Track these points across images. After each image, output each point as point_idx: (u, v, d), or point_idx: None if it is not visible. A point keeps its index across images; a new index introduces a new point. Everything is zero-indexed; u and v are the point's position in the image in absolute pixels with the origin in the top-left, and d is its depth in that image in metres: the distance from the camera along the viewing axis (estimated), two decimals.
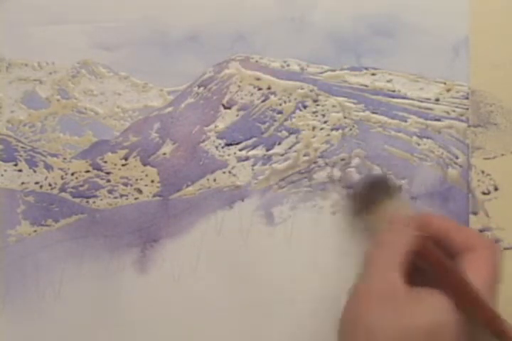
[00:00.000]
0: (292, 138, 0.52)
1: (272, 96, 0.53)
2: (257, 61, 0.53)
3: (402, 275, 0.37)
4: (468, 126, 0.51)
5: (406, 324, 0.34)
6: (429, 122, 0.52)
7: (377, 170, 0.51)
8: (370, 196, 0.46)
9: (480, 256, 0.37)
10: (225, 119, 0.52)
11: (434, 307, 0.35)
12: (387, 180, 0.48)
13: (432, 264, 0.38)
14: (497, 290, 0.37)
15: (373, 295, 0.37)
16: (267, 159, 0.52)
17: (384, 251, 0.38)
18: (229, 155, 0.52)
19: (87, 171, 0.53)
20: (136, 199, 0.52)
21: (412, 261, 0.38)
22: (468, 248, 0.38)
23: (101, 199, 0.52)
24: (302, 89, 0.52)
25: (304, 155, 0.52)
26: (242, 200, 0.52)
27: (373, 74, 0.52)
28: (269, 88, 0.53)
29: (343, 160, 0.52)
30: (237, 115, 0.53)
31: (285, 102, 0.52)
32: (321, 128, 0.52)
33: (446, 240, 0.39)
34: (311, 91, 0.52)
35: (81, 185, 0.53)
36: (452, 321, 0.34)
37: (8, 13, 0.53)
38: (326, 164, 0.52)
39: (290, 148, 0.52)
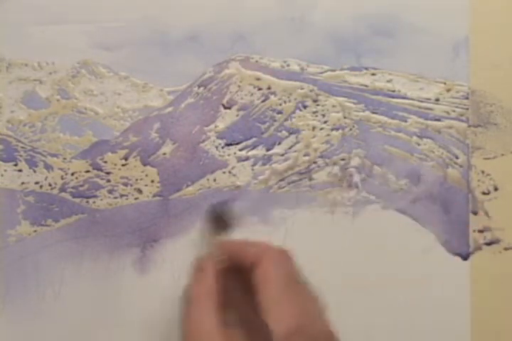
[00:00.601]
0: (292, 138, 0.52)
1: (272, 96, 0.52)
2: (257, 61, 0.53)
3: (218, 310, 0.38)
4: (469, 126, 0.51)
5: None
6: (429, 122, 0.52)
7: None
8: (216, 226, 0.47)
9: (265, 267, 0.38)
10: (225, 119, 0.52)
11: None
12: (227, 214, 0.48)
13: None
14: (298, 291, 0.38)
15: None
16: (267, 159, 0.52)
17: (192, 305, 0.39)
18: (229, 155, 0.52)
19: (87, 171, 0.53)
20: (136, 199, 0.52)
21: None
22: (256, 262, 0.38)
23: (101, 199, 0.52)
24: (302, 89, 0.52)
25: (304, 155, 0.52)
26: (242, 200, 0.52)
27: (373, 74, 0.52)
28: (269, 88, 0.53)
29: (343, 160, 0.52)
30: (237, 115, 0.53)
31: (285, 102, 0.52)
32: (321, 128, 0.52)
33: (241, 262, 0.39)
34: (311, 91, 0.52)
35: (81, 185, 0.53)
36: None
37: (8, 13, 0.53)
38: (326, 164, 0.52)
39: (290, 148, 0.52)
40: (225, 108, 0.53)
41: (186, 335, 0.39)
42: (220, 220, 0.46)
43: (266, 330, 0.35)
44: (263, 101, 0.52)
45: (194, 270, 0.41)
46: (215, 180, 0.52)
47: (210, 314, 0.37)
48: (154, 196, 0.52)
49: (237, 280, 0.39)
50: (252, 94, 0.53)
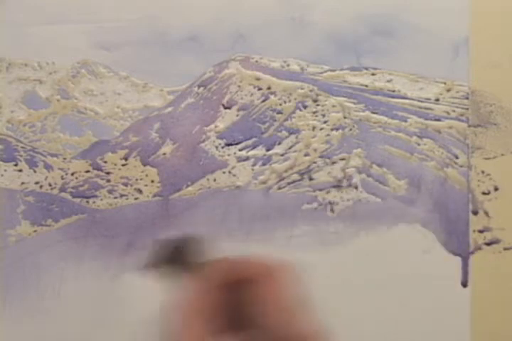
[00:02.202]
0: (292, 138, 0.52)
1: (272, 96, 0.52)
2: (257, 61, 0.53)
3: (207, 333, 0.39)
4: (469, 126, 0.51)
5: None
6: (429, 122, 0.52)
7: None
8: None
9: (262, 285, 0.39)
10: (225, 119, 0.52)
11: None
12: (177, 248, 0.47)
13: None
14: (297, 306, 0.38)
15: None
16: (267, 159, 0.52)
17: (184, 320, 0.40)
18: (229, 155, 0.52)
19: (87, 171, 0.53)
20: (136, 199, 0.52)
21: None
22: (253, 280, 0.39)
23: (101, 199, 0.52)
24: (302, 89, 0.52)
25: (304, 155, 0.52)
26: (242, 200, 0.52)
27: (373, 74, 0.52)
28: (269, 88, 0.53)
29: (343, 160, 0.52)
30: (237, 115, 0.53)
31: (285, 102, 0.52)
32: (321, 128, 0.52)
33: (240, 277, 0.40)
34: (311, 91, 0.52)
35: (81, 185, 0.53)
36: None
37: (8, 13, 0.53)
38: (326, 164, 0.52)
39: (290, 148, 0.52)
40: (225, 108, 0.53)
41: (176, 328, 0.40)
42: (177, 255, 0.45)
43: (269, 334, 0.37)
44: (263, 101, 0.52)
45: (182, 289, 0.42)
46: (215, 180, 0.52)
47: (199, 329, 0.39)
48: (154, 196, 0.52)
49: (229, 293, 0.40)
50: (252, 94, 0.53)
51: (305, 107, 0.52)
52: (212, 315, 0.39)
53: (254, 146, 0.52)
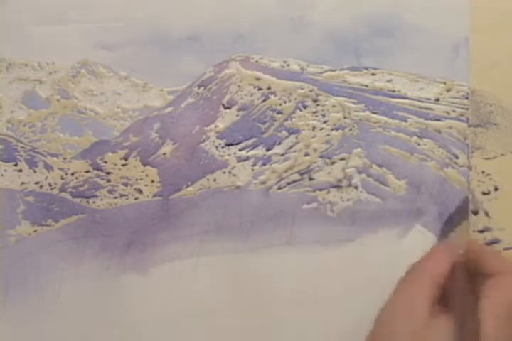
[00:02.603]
0: (292, 138, 0.52)
1: (272, 96, 0.52)
2: (257, 61, 0.53)
3: (431, 298, 0.38)
4: (469, 126, 0.51)
5: None
6: (429, 122, 0.52)
7: (376, 170, 0.51)
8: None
9: (501, 281, 0.37)
10: (225, 119, 0.52)
11: (441, 334, 0.36)
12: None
13: (452, 290, 0.39)
14: None
15: (396, 317, 0.38)
16: (267, 159, 0.52)
17: (415, 276, 0.40)
18: (229, 155, 0.52)
19: (87, 171, 0.53)
20: (136, 199, 0.52)
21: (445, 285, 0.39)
22: (494, 273, 0.38)
23: (101, 199, 0.52)
24: (302, 89, 0.52)
25: (304, 155, 0.52)
26: (242, 200, 0.52)
27: (373, 74, 0.52)
28: (269, 88, 0.53)
29: (343, 160, 0.52)
30: (237, 115, 0.53)
31: (285, 102, 0.52)
32: (321, 128, 0.52)
33: (479, 265, 0.39)
34: (311, 91, 0.52)
35: (81, 185, 0.53)
36: None
37: (8, 13, 0.53)
38: (326, 164, 0.52)
39: (290, 148, 0.52)
40: (225, 108, 0.53)
41: (393, 301, 0.39)
42: None
43: (472, 329, 0.36)
44: (263, 101, 0.52)
45: (432, 249, 0.41)
46: (215, 180, 0.52)
47: (425, 292, 0.38)
48: (154, 196, 0.52)
49: (462, 274, 0.40)
50: (252, 94, 0.53)
51: (305, 107, 0.52)
52: (440, 286, 0.38)
53: (254, 146, 0.52)
